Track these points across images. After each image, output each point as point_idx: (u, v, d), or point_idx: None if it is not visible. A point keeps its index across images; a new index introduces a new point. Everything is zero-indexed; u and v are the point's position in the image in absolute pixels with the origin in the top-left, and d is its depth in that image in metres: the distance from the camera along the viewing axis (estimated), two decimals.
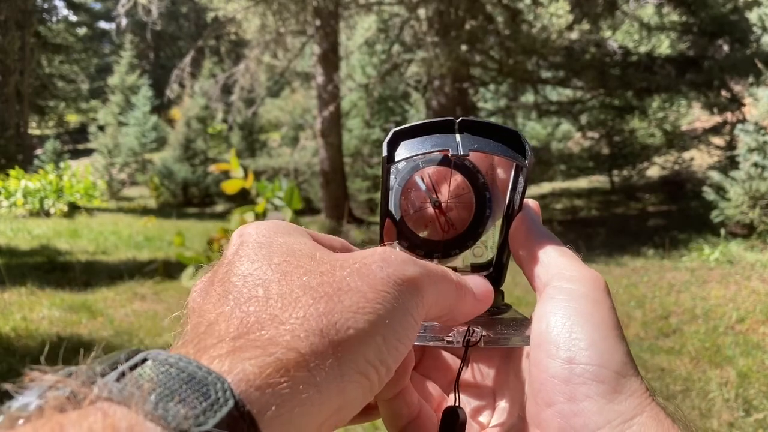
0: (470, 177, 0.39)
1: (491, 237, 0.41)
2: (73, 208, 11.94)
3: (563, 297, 0.31)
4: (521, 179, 0.37)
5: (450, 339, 0.33)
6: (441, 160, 0.38)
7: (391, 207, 0.39)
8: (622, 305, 4.41)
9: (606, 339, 0.29)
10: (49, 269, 6.00)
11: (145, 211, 13.70)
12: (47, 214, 11.31)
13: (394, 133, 0.35)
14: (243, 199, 10.89)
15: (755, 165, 5.99)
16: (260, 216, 6.29)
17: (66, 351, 3.56)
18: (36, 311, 4.41)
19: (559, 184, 12.90)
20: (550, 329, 0.30)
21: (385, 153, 0.35)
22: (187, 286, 5.30)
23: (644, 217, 9.11)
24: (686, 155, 11.19)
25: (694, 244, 6.32)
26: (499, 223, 0.40)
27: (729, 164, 7.37)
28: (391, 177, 0.38)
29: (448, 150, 0.35)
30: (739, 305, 4.16)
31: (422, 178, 0.39)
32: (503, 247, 0.40)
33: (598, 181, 12.69)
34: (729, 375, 3.03)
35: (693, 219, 7.80)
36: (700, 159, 10.95)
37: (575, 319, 0.30)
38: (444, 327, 0.34)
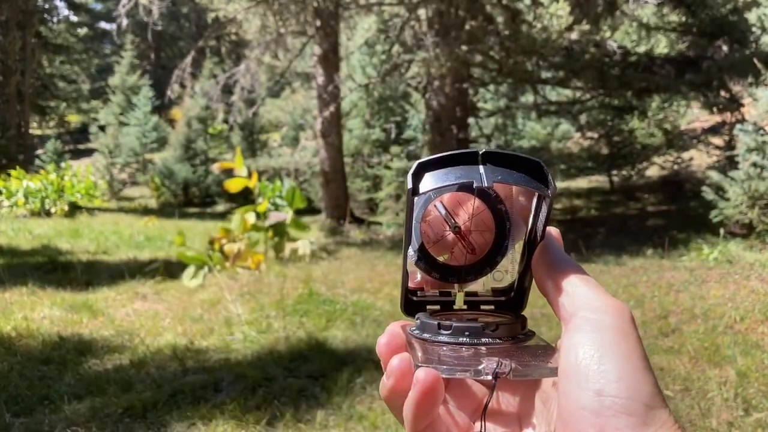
0: (490, 203, 0.40)
1: (512, 261, 0.41)
2: (74, 208, 11.97)
3: (590, 328, 0.32)
4: (544, 208, 0.37)
5: (479, 370, 0.33)
6: (461, 186, 0.38)
7: (413, 234, 0.40)
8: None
9: (634, 371, 0.30)
10: (50, 269, 6.02)
11: (145, 211, 13.71)
12: (48, 214, 11.33)
13: (419, 164, 0.35)
14: (244, 198, 10.91)
15: (754, 165, 5.99)
16: (262, 216, 6.31)
17: (67, 351, 3.58)
18: (37, 311, 4.43)
19: (558, 184, 12.89)
20: (579, 361, 0.31)
21: (409, 185, 0.35)
22: (187, 285, 5.32)
23: (643, 217, 9.12)
24: (685, 155, 11.20)
25: (693, 243, 6.33)
26: (519, 247, 0.40)
27: (728, 164, 7.38)
28: (414, 205, 0.39)
29: (473, 182, 0.35)
30: (738, 305, 4.17)
31: (442, 204, 0.40)
32: (525, 271, 0.40)
33: (598, 180, 12.70)
34: (728, 374, 3.04)
35: (692, 219, 7.81)
36: (699, 159, 10.96)
37: (603, 351, 0.30)
38: (472, 358, 0.35)
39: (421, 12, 8.67)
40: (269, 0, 9.19)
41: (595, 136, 11.46)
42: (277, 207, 7.55)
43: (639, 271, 5.56)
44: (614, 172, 11.54)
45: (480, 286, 0.42)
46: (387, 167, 11.95)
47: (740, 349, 3.38)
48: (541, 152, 11.50)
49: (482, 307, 0.42)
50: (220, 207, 15.22)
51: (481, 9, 7.98)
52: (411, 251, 0.40)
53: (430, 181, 0.35)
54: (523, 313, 0.41)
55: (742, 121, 6.61)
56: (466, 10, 7.81)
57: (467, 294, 0.42)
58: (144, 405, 2.76)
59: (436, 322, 0.37)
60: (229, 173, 9.21)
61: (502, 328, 0.37)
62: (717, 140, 9.68)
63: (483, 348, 0.36)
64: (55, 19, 24.40)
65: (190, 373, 3.22)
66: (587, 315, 0.32)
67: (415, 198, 0.37)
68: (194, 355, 3.51)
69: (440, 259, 0.40)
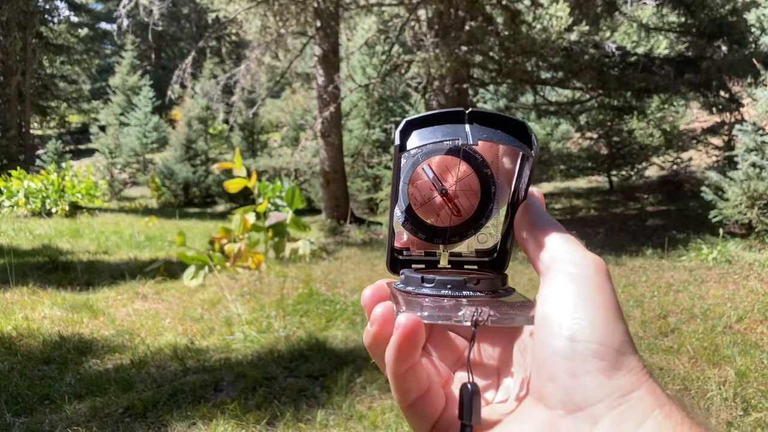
0: (476, 166, 0.41)
1: (496, 224, 0.42)
2: (75, 208, 11.98)
3: (566, 279, 0.33)
4: (527, 168, 0.38)
5: (459, 318, 0.34)
6: (449, 150, 0.39)
7: (400, 195, 0.41)
8: (621, 305, 4.41)
9: (607, 319, 0.31)
10: (51, 269, 6.02)
11: (146, 211, 13.73)
12: (49, 214, 11.34)
13: (407, 122, 0.36)
14: (244, 199, 10.91)
15: (753, 165, 6.00)
16: (262, 216, 6.32)
17: (67, 350, 3.59)
18: (38, 311, 4.44)
19: (558, 184, 12.92)
20: (554, 309, 0.32)
21: (397, 141, 0.35)
22: (188, 285, 5.33)
23: (643, 217, 9.12)
24: (685, 155, 11.21)
25: (693, 243, 6.33)
26: (503, 210, 0.41)
27: (727, 164, 7.39)
28: (402, 165, 0.40)
29: (458, 139, 0.35)
30: (738, 305, 4.18)
31: (430, 167, 0.40)
32: (508, 233, 0.41)
33: (597, 181, 12.70)
34: (727, 374, 3.04)
35: (691, 219, 7.83)
36: (698, 159, 10.98)
37: (578, 300, 0.32)
38: (453, 308, 0.35)
39: (421, 12, 8.68)
40: (269, 0, 9.20)
41: (595, 136, 11.47)
42: (277, 207, 7.56)
43: (638, 271, 5.57)
44: (614, 172, 11.55)
45: (464, 247, 0.43)
46: (387, 167, 11.96)
47: (739, 348, 3.39)
48: (541, 152, 11.50)
49: (465, 267, 0.44)
50: (221, 207, 15.24)
51: (480, 9, 7.99)
52: (398, 211, 0.41)
53: (417, 139, 0.36)
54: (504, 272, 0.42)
55: (741, 121, 6.61)
56: (466, 11, 7.82)
57: (452, 254, 0.43)
58: (144, 404, 2.77)
59: (419, 276, 0.38)
60: (229, 173, 9.22)
61: (483, 282, 0.38)
62: (716, 140, 9.69)
63: (464, 300, 0.37)
64: (55, 20, 24.43)
65: (191, 372, 3.22)
66: (564, 267, 0.33)
67: (402, 155, 0.37)
68: (194, 355, 3.51)
69: (427, 221, 0.42)
